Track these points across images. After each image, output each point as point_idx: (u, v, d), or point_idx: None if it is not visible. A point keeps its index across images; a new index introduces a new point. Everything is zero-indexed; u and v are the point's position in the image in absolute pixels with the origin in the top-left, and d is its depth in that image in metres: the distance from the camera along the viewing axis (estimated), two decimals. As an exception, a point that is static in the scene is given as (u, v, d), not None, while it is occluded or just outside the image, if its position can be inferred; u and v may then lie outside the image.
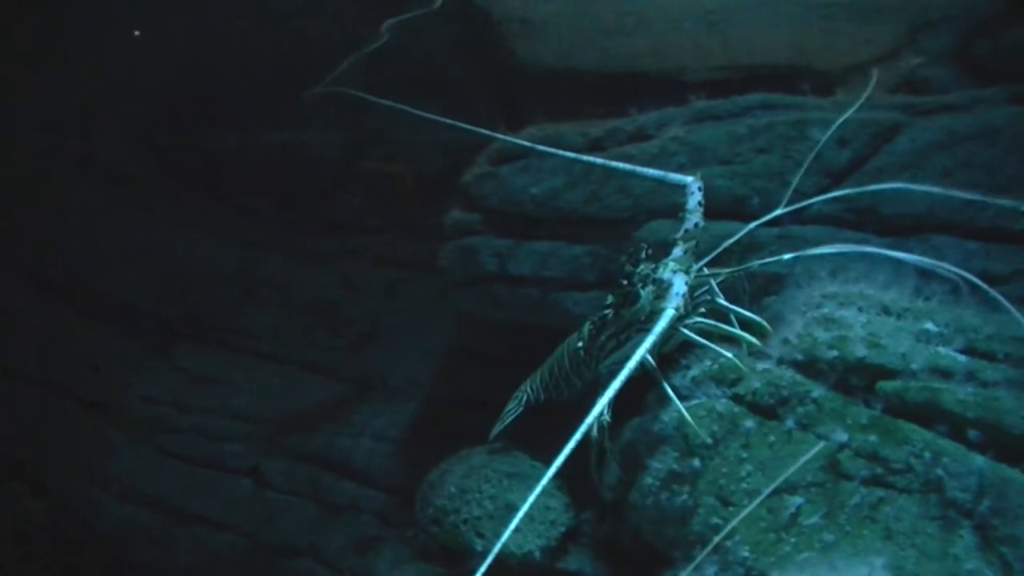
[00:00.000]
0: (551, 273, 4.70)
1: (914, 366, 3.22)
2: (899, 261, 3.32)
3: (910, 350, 3.26)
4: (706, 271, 3.68)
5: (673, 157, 4.39)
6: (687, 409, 3.44)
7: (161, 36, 5.51)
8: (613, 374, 3.42)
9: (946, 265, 3.25)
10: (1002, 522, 2.92)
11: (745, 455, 3.34)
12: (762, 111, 4.35)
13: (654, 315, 3.41)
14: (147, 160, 6.21)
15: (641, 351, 3.04)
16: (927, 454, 3.05)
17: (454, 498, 4.26)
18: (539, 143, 4.73)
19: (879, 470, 3.09)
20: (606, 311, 3.79)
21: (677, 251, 3.57)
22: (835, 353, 3.34)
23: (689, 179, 3.60)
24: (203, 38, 5.46)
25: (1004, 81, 4.10)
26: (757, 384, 3.45)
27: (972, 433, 3.05)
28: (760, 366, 3.51)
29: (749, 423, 3.40)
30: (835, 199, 3.87)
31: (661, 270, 3.51)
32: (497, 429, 4.44)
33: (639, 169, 3.77)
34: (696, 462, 3.42)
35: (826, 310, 3.43)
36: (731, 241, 3.83)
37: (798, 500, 3.17)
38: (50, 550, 6.18)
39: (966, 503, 2.97)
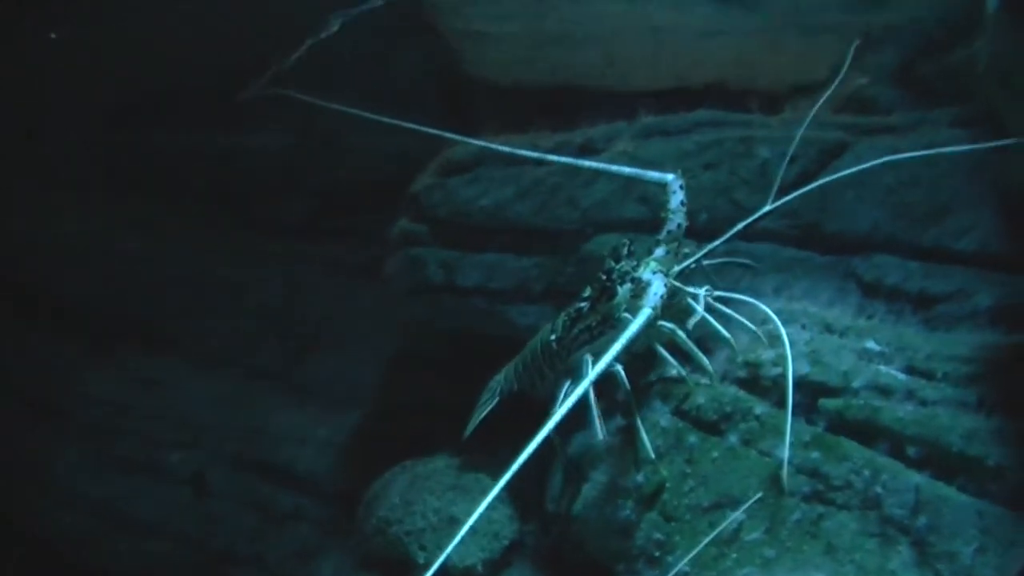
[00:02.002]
0: (498, 285, 4.70)
1: (856, 384, 3.27)
2: (842, 280, 3.35)
3: (852, 368, 3.30)
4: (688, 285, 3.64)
5: (622, 171, 4.40)
6: (631, 424, 3.46)
7: (111, 36, 5.44)
8: (576, 374, 3.55)
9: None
10: (938, 538, 2.97)
11: (688, 470, 3.36)
12: (710, 127, 4.38)
13: (629, 313, 3.41)
14: (94, 161, 6.14)
15: (614, 350, 2.97)
16: (867, 471, 3.10)
17: (397, 509, 4.25)
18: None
19: (820, 486, 3.13)
20: (582, 304, 3.76)
21: (659, 251, 3.54)
22: (778, 370, 3.37)
23: (670, 177, 3.58)
24: (152, 39, 5.40)
25: (947, 102, 4.16)
26: (701, 400, 3.48)
27: (911, 450, 3.10)
28: (704, 381, 3.54)
29: (692, 438, 3.43)
30: (779, 216, 3.90)
31: (642, 269, 3.47)
32: (474, 423, 4.35)
33: (620, 168, 3.78)
34: (640, 477, 3.44)
35: (770, 327, 3.45)
36: (719, 242, 3.76)
37: (739, 515, 3.20)
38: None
39: (903, 520, 3.02)
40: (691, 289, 3.57)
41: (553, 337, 3.90)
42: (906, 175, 4.02)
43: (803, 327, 3.55)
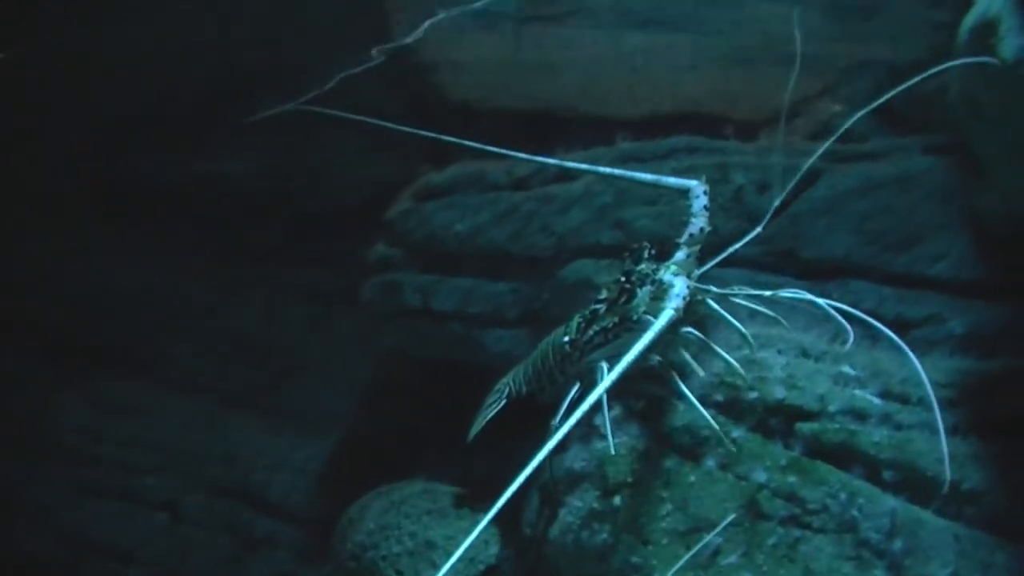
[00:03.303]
0: (474, 310, 4.71)
1: (832, 408, 3.28)
2: (817, 304, 3.36)
3: (828, 392, 3.31)
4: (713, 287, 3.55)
5: (598, 197, 4.43)
6: (608, 448, 3.45)
7: (89, 61, 5.43)
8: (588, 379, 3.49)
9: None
10: (913, 562, 2.99)
11: (665, 494, 3.36)
12: (686, 154, 4.41)
13: (648, 316, 3.31)
14: (70, 185, 6.12)
15: (633, 353, 2.87)
16: (843, 495, 3.10)
17: (373, 534, 4.23)
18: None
19: (797, 510, 3.13)
20: (598, 305, 3.64)
21: (680, 255, 3.42)
22: (755, 394, 3.38)
23: (693, 183, 3.48)
24: (132, 64, 5.40)
25: (919, 130, 4.21)
26: (678, 424, 3.48)
27: (887, 474, 3.11)
28: (681, 406, 3.54)
29: (669, 462, 3.43)
30: (756, 243, 3.92)
31: (662, 271, 3.37)
32: (478, 425, 4.19)
33: (644, 176, 3.62)
34: (616, 501, 3.43)
35: (746, 351, 3.47)
36: (725, 254, 3.74)
37: (717, 539, 3.20)
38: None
39: (879, 543, 3.03)
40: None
41: (566, 339, 3.77)
42: (879, 203, 4.06)
43: (779, 351, 3.56)
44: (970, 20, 3.39)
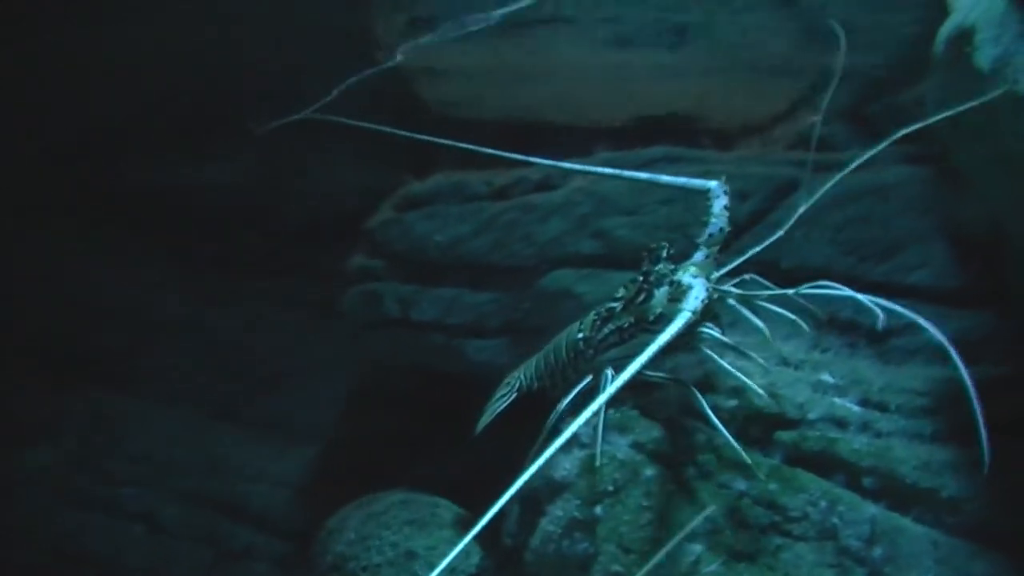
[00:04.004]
0: (455, 319, 4.71)
1: (812, 416, 3.30)
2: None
3: (808, 400, 3.33)
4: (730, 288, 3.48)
5: (578, 207, 4.44)
6: (589, 457, 3.45)
7: (70, 68, 5.42)
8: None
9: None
10: (893, 569, 3.00)
11: (646, 503, 3.36)
12: (665, 163, 4.42)
13: (665, 317, 3.24)
14: (48, 193, 6.09)
15: (644, 357, 2.81)
16: (823, 502, 3.12)
17: (354, 544, 4.22)
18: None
19: (777, 518, 3.14)
20: (614, 303, 3.58)
21: (698, 255, 3.36)
22: (735, 402, 3.39)
23: (713, 183, 3.40)
24: (113, 72, 5.38)
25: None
26: (657, 432, 3.49)
27: (867, 481, 3.13)
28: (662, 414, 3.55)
29: (650, 471, 3.42)
30: (735, 252, 3.92)
31: (680, 272, 3.32)
32: (487, 418, 4.11)
33: (665, 178, 3.51)
34: (598, 510, 3.44)
35: (727, 360, 3.47)
36: (744, 258, 3.65)
37: (698, 548, 3.21)
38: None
39: (860, 551, 3.04)
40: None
41: (580, 336, 3.71)
42: (858, 212, 4.09)
43: (760, 359, 3.57)
44: (946, 30, 3.41)
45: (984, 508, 3.06)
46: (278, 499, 5.50)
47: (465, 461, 4.72)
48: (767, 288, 3.48)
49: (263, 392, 5.85)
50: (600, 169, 3.81)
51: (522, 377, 4.09)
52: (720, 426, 3.25)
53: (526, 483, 3.76)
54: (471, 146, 3.90)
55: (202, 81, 5.28)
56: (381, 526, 4.24)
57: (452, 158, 4.89)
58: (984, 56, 3.02)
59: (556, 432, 3.15)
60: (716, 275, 3.41)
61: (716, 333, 3.39)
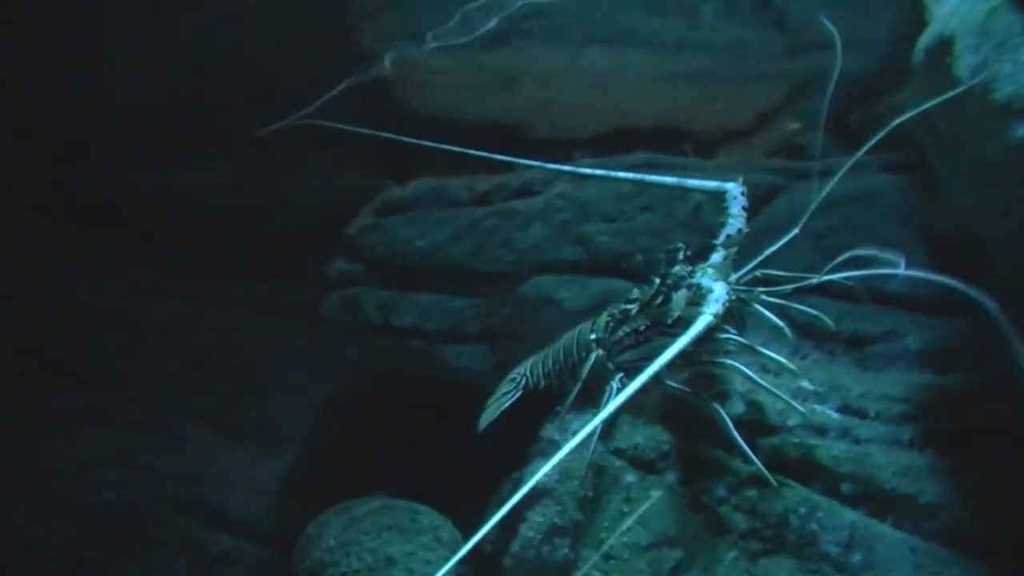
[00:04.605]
0: (434, 325, 4.71)
1: (791, 423, 3.31)
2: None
3: (787, 407, 3.34)
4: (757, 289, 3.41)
5: (558, 213, 4.44)
6: (567, 463, 3.45)
7: (48, 72, 5.39)
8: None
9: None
10: (872, 574, 3.02)
11: (626, 509, 3.37)
12: (647, 170, 4.41)
13: (683, 321, 3.18)
14: (32, 196, 6.06)
15: (662, 361, 2.70)
16: (802, 509, 3.13)
17: (333, 551, 4.20)
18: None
19: (757, 524, 3.16)
20: (629, 305, 3.52)
21: (716, 257, 3.29)
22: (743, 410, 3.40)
23: (729, 185, 3.34)
24: (92, 77, 5.36)
25: (875, 149, 4.26)
26: (639, 439, 3.49)
27: (846, 487, 3.15)
28: (641, 421, 3.56)
29: (630, 477, 3.43)
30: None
31: (699, 275, 3.24)
32: (491, 415, 3.99)
33: (682, 180, 3.48)
34: (578, 515, 3.44)
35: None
36: (762, 258, 3.53)
37: (677, 554, 3.22)
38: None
39: (839, 556, 3.06)
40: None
41: (593, 337, 3.65)
42: (838, 220, 4.10)
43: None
44: (926, 39, 3.43)
45: (962, 514, 3.07)
46: (258, 505, 5.48)
47: (447, 466, 4.73)
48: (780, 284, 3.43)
49: (244, 397, 5.83)
50: (616, 173, 3.72)
51: (528, 375, 4.01)
52: (741, 441, 3.20)
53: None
54: (483, 153, 3.84)
55: (186, 86, 5.26)
56: (360, 532, 4.23)
57: (433, 164, 4.89)
58: (963, 65, 3.03)
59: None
60: (734, 277, 3.36)
61: (736, 337, 3.33)
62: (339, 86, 4.54)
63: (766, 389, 3.27)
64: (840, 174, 3.43)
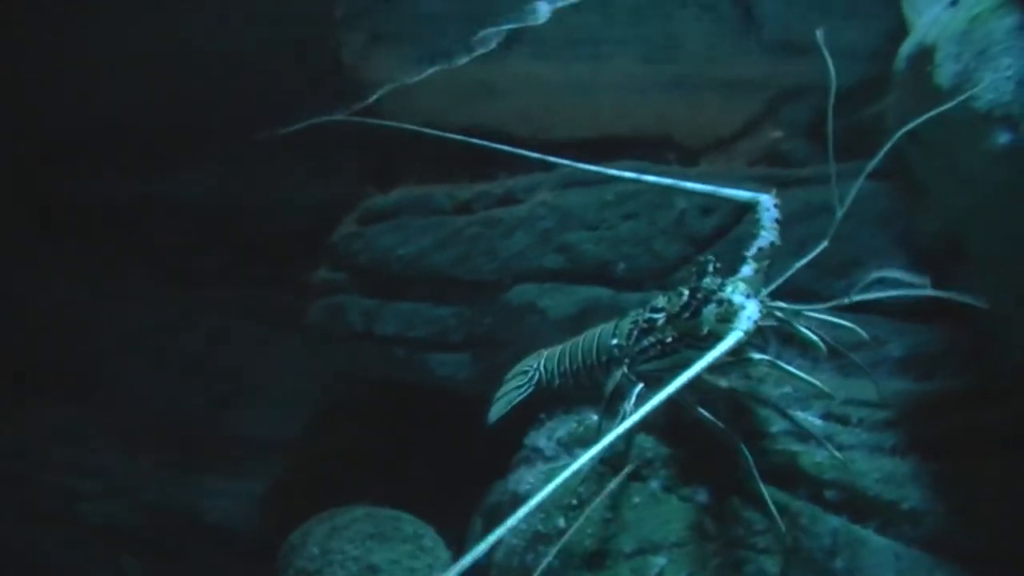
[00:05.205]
0: (417, 333, 4.71)
1: (774, 429, 3.32)
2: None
3: (770, 414, 3.35)
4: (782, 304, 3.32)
5: (541, 221, 4.45)
6: (551, 471, 3.45)
7: (30, 78, 5.37)
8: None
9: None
10: (856, 581, 3.03)
11: (610, 515, 3.37)
12: (635, 178, 4.44)
13: (712, 336, 3.09)
14: (11, 204, 6.03)
15: (687, 375, 2.60)
16: (786, 515, 3.14)
17: (316, 559, 4.19)
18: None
19: (741, 531, 3.16)
20: (656, 315, 3.43)
21: (746, 270, 3.21)
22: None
23: (763, 197, 3.28)
24: (74, 84, 5.35)
25: (858, 157, 4.27)
26: (623, 446, 3.49)
27: (829, 494, 3.16)
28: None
29: (614, 484, 3.44)
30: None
31: (729, 289, 3.13)
32: (501, 410, 3.92)
33: (714, 189, 3.43)
34: (562, 522, 3.44)
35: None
36: (792, 272, 3.49)
37: (661, 560, 3.22)
38: None
39: (822, 562, 3.06)
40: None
41: (615, 342, 3.58)
42: (818, 228, 4.11)
43: (722, 374, 3.59)
44: (907, 48, 3.45)
45: (945, 520, 3.09)
46: (241, 513, 5.46)
47: (432, 473, 4.73)
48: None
49: (227, 405, 5.82)
50: (647, 177, 3.63)
51: (542, 370, 3.92)
52: (763, 489, 3.12)
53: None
54: (510, 148, 3.84)
55: (167, 95, 5.25)
56: (343, 540, 4.22)
57: (416, 171, 4.90)
58: (944, 73, 3.06)
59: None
60: (765, 292, 3.28)
61: (770, 358, 3.27)
62: (334, 115, 4.53)
63: (805, 432, 3.26)
64: (859, 182, 3.44)
